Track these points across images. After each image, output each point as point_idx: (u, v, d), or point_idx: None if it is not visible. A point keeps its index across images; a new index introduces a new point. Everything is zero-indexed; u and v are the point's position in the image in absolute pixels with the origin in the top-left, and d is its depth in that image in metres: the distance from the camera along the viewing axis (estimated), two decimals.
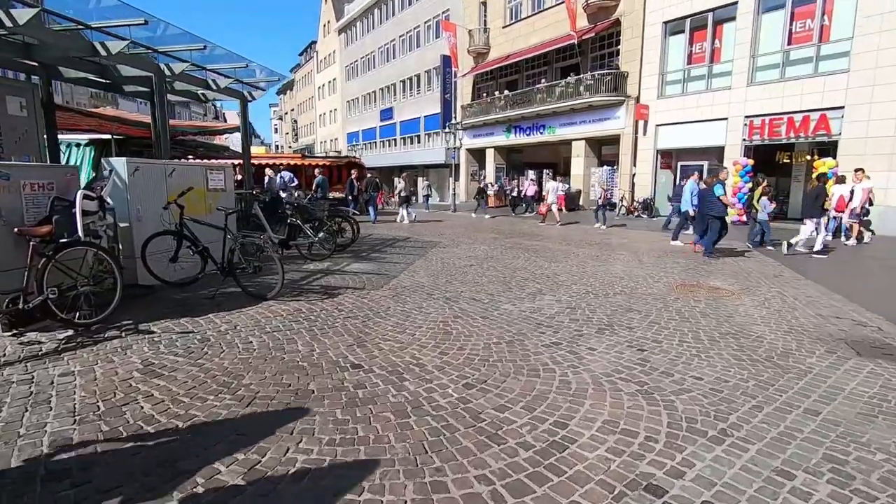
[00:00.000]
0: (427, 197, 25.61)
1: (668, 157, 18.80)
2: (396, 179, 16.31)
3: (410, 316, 4.97)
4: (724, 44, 16.49)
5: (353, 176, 17.16)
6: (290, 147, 62.75)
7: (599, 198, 16.00)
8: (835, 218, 12.26)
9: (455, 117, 28.35)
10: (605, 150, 21.65)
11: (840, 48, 13.84)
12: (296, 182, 13.92)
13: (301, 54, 59.41)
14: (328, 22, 48.11)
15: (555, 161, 25.50)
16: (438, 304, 5.45)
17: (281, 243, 7.73)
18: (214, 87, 7.59)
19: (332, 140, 48.81)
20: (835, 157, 13.76)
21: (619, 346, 4.13)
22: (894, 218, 12.79)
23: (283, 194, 13.20)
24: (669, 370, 3.62)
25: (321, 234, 8.22)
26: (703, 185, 10.36)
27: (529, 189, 21.26)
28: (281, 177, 13.57)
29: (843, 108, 13.71)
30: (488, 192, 25.33)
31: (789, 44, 14.87)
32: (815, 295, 6.22)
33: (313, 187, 14.59)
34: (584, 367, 3.67)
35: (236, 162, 15.18)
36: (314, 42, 53.57)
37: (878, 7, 12.94)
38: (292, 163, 17.90)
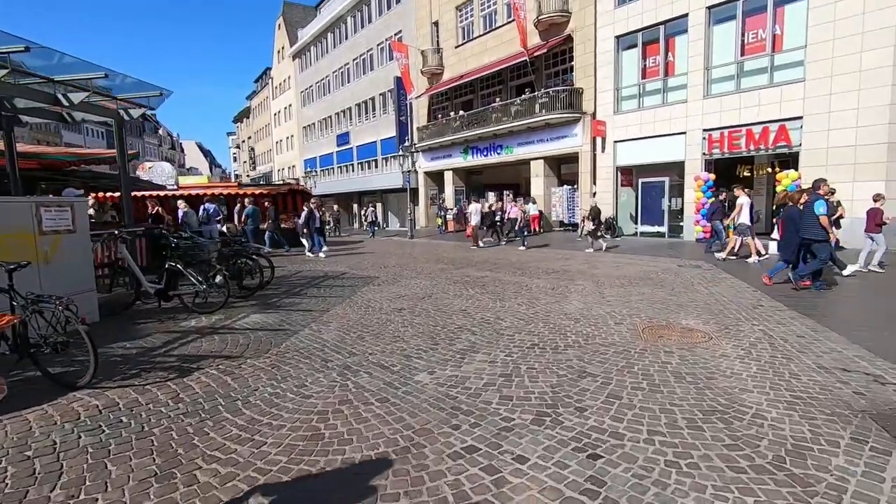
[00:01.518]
0: (373, 224, 24.76)
1: (628, 175, 18.08)
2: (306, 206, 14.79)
3: (278, 405, 3.53)
4: (677, 57, 15.99)
5: (312, 205, 14.91)
6: (247, 176, 60.64)
7: (519, 220, 16.30)
8: None
9: (412, 140, 27.35)
10: (564, 169, 20.86)
11: (794, 57, 13.40)
12: (220, 215, 12.34)
13: (256, 81, 57.95)
14: (282, 48, 46.98)
15: (516, 182, 24.61)
16: (329, 380, 4.03)
17: (158, 294, 6.19)
18: (67, 103, 6.08)
19: (289, 167, 47.13)
20: (797, 169, 13.16)
21: (562, 450, 2.79)
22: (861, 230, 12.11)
23: (205, 228, 11.63)
24: (636, 497, 2.30)
25: (219, 279, 6.71)
26: (790, 202, 8.37)
27: (512, 211, 18.31)
28: (204, 209, 11.99)
29: (801, 118, 13.18)
30: (447, 217, 24.25)
31: (743, 55, 14.40)
32: (807, 334, 5.10)
33: (242, 219, 13.01)
34: (503, 502, 2.31)
35: (158, 193, 13.53)
36: (269, 68, 52.28)
37: (829, 15, 12.55)
38: (228, 192, 16.28)
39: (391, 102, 29.12)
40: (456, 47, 24.58)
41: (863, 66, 12.08)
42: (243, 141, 66.53)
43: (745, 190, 11.73)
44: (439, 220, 25.27)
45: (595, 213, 14.26)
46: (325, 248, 14.01)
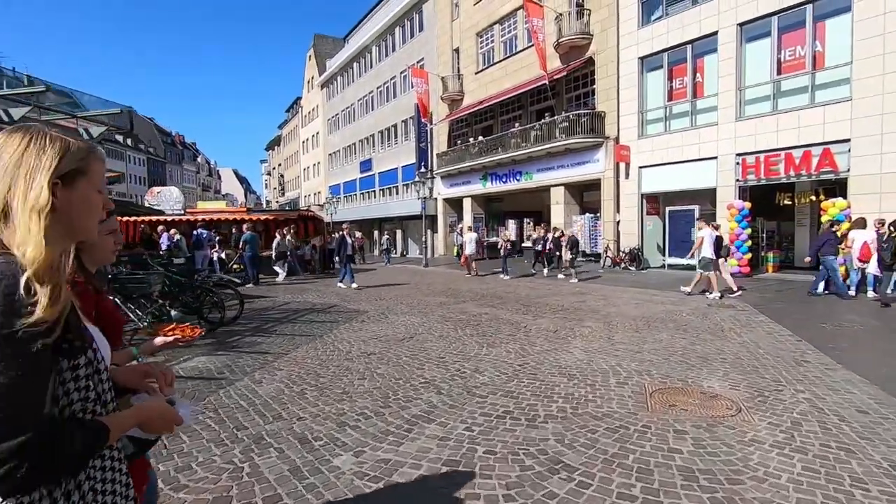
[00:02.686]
0: (387, 251, 24.25)
1: (654, 202, 16.86)
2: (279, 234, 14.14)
3: None
4: (706, 77, 14.92)
5: (344, 230, 13.47)
6: (276, 201, 61.77)
7: (500, 247, 15.85)
8: (857, 269, 10.05)
9: (431, 166, 26.89)
10: (586, 197, 19.77)
11: (838, 75, 12.14)
12: (213, 240, 11.84)
13: (287, 110, 59.59)
14: (312, 78, 48.16)
15: (538, 209, 23.57)
16: (224, 460, 3.13)
17: None
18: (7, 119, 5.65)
19: (315, 193, 47.59)
20: (845, 197, 11.72)
21: None
22: None
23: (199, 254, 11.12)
24: None
25: (175, 313, 5.99)
26: None
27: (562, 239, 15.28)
28: (196, 235, 11.51)
29: (848, 140, 11.82)
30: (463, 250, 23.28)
31: (779, 73, 13.22)
32: (871, 408, 3.89)
33: (240, 245, 12.49)
34: None
35: (151, 218, 13.22)
36: (299, 98, 53.64)
37: (877, 28, 11.32)
38: (234, 217, 15.95)
39: (412, 129, 28.89)
40: (476, 73, 24.17)
41: None
42: (274, 168, 68.18)
43: (712, 224, 10.89)
44: (456, 249, 24.43)
45: (573, 243, 14.41)
46: (353, 281, 12.77)
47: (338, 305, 9.84)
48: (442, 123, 26.54)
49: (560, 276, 14.32)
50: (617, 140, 17.09)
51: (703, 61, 14.98)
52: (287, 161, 59.95)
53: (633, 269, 16.04)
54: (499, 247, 16.10)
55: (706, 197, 14.79)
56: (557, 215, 19.65)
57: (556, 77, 18.74)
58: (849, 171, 11.86)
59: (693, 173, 15.04)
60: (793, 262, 15.06)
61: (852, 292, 9.92)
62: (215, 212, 17.28)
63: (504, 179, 22.31)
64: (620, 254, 16.87)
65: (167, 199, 15.22)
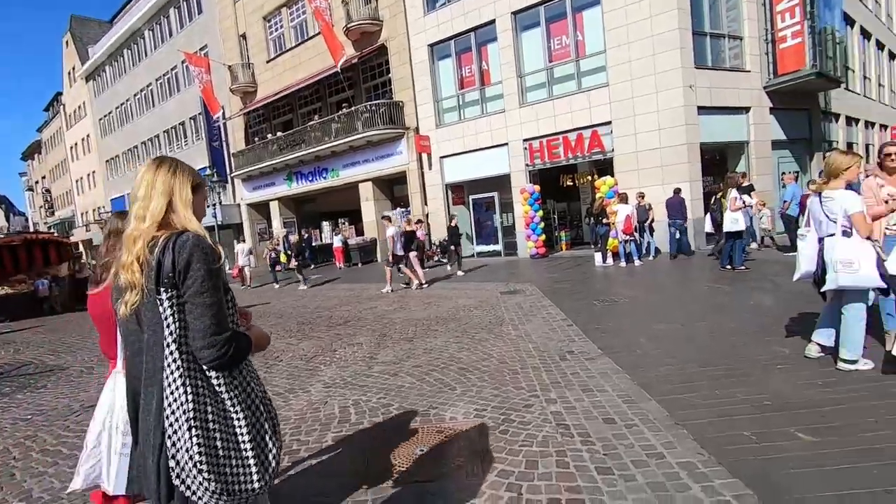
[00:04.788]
0: None
1: (460, 192, 16.75)
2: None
3: None
4: (491, 65, 15.10)
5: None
6: (44, 223, 49.61)
7: (265, 254, 15.28)
8: (624, 242, 10.75)
9: (229, 168, 23.53)
10: (397, 191, 18.99)
11: (597, 62, 13.08)
12: None
13: (46, 109, 47.92)
14: (73, 68, 39.23)
15: (354, 208, 22.12)
16: None
17: None
18: None
19: (94, 209, 39.05)
20: (613, 175, 12.69)
21: None
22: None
23: None
24: None
25: None
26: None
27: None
28: None
29: (610, 123, 12.81)
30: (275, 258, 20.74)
31: (551, 61, 13.87)
32: (615, 406, 3.26)
33: None
34: None
35: None
36: (60, 94, 43.46)
37: (621, 19, 12.37)
38: None
39: (203, 127, 24.96)
40: (268, 62, 21.64)
41: (657, 68, 11.99)
42: (36, 181, 54.65)
43: (407, 220, 11.44)
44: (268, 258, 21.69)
45: (300, 250, 14.25)
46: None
47: (34, 362, 7.04)
48: (236, 119, 23.35)
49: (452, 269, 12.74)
50: (417, 130, 16.53)
51: (487, 49, 15.12)
52: (53, 172, 48.29)
53: (445, 261, 15.63)
54: (265, 255, 14.68)
55: (503, 183, 15.01)
56: (368, 212, 18.52)
57: (350, 65, 17.46)
58: (613, 151, 12.88)
59: (489, 161, 15.15)
60: (583, 238, 16.23)
61: (636, 262, 10.59)
62: None
63: (310, 178, 20.37)
64: (432, 247, 16.40)
65: None
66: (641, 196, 11.37)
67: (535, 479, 2.57)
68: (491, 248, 15.52)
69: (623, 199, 10.87)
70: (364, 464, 2.91)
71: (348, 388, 4.35)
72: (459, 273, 11.83)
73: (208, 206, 18.41)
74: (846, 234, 3.42)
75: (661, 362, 4.25)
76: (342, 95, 19.04)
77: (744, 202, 8.55)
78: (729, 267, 8.47)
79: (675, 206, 10.88)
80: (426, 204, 16.88)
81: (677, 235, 10.99)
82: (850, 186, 3.57)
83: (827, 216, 3.52)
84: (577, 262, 12.08)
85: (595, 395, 3.63)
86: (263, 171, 21.80)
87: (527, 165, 14.35)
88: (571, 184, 15.84)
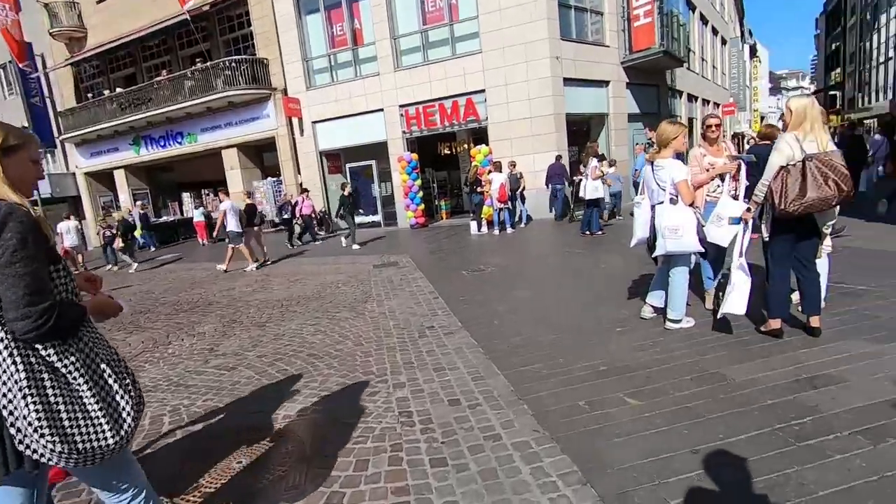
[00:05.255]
0: None
1: (336, 160, 15.83)
2: None
3: None
4: (363, 24, 14.18)
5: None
6: None
7: (98, 232, 13.17)
8: (498, 210, 10.94)
9: (57, 130, 19.70)
10: (267, 159, 17.42)
11: (469, 28, 12.88)
12: None
13: None
14: None
15: (220, 178, 19.95)
16: None
17: None
18: None
19: None
20: (488, 144, 12.81)
21: None
22: (546, 200, 12.40)
23: None
24: None
25: None
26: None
27: (305, 206, 13.18)
28: None
29: (484, 91, 12.82)
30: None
31: (425, 23, 13.38)
32: (463, 385, 3.13)
33: None
34: None
35: None
36: None
37: None
38: None
39: (16, 78, 20.43)
40: (98, 2, 18.18)
41: (526, 38, 12.13)
42: None
43: (243, 196, 10.51)
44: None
45: (127, 227, 12.26)
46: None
47: None
48: (61, 70, 19.47)
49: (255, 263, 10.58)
50: (285, 92, 15.14)
51: (360, 7, 14.15)
52: None
53: (322, 233, 14.79)
54: (98, 233, 12.77)
55: (381, 151, 14.44)
56: (235, 181, 16.75)
57: (202, 13, 15.29)
58: (487, 119, 12.95)
59: (365, 127, 14.42)
60: (463, 207, 16.38)
61: (509, 230, 10.83)
62: None
63: (162, 143, 17.85)
64: (316, 218, 15.38)
65: None
66: (513, 165, 11.62)
67: (361, 483, 2.30)
68: (370, 218, 14.99)
69: (497, 167, 10.99)
70: (168, 488, 2.40)
71: (171, 391, 3.72)
72: (355, 247, 10.93)
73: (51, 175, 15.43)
74: (673, 201, 3.57)
75: (517, 331, 4.25)
76: (196, 49, 16.70)
77: (601, 171, 9.06)
78: (588, 233, 8.99)
79: (558, 170, 11.37)
80: (299, 173, 15.72)
81: (559, 196, 11.58)
82: (679, 156, 3.74)
83: (658, 184, 3.66)
84: (455, 232, 12.12)
85: (446, 375, 3.47)
86: (102, 135, 18.59)
87: (404, 133, 13.92)
88: (449, 152, 15.77)
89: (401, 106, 13.77)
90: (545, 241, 9.88)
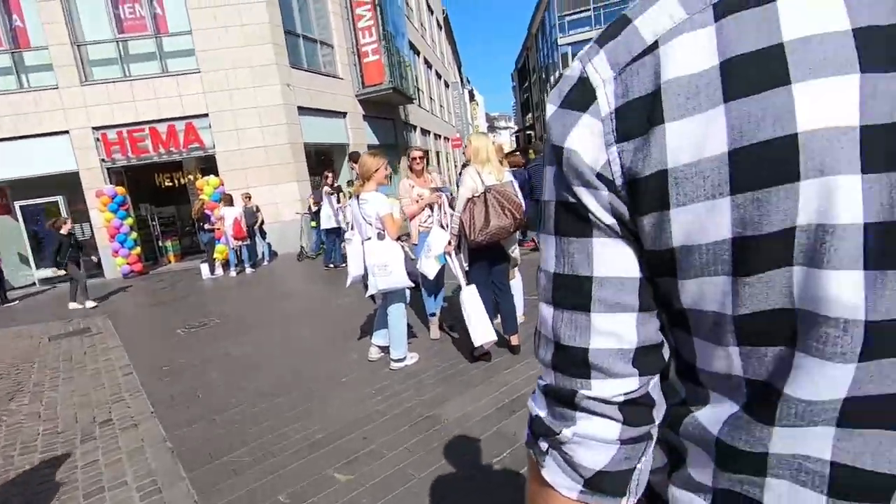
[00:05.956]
0: None
1: (2, 197, 11.78)
2: None
3: None
4: (28, 22, 11.00)
5: None
6: None
7: None
8: (235, 248, 9.69)
9: None
10: None
11: (183, 44, 11.31)
12: None
13: None
14: None
15: None
16: None
17: None
18: None
19: None
20: (217, 175, 11.35)
21: None
22: (293, 234, 11.60)
23: None
24: None
25: None
26: None
27: None
28: None
29: (207, 115, 11.36)
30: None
31: (122, 32, 11.16)
32: None
33: None
34: None
35: None
36: None
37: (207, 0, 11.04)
38: None
39: None
40: None
41: (253, 61, 11.28)
42: None
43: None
44: None
45: None
46: None
47: None
48: None
49: None
50: None
51: (21, 1, 10.93)
52: None
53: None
54: None
55: (72, 184, 11.31)
56: None
57: None
58: (214, 147, 11.50)
59: (45, 153, 11.11)
60: (199, 247, 14.18)
61: (248, 270, 9.61)
62: None
63: None
64: None
65: None
66: (248, 197, 10.50)
67: None
68: (61, 272, 11.52)
69: (228, 201, 9.74)
70: None
71: None
72: (90, 304, 8.12)
73: None
74: (380, 236, 3.40)
75: (225, 404, 3.45)
76: None
77: (331, 203, 8.77)
78: (332, 265, 8.63)
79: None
80: None
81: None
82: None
83: (364, 219, 3.44)
84: (181, 278, 10.25)
85: (103, 501, 2.46)
86: None
87: (103, 161, 11.23)
88: (171, 184, 13.50)
89: (95, 128, 11.08)
90: (285, 279, 9.11)
